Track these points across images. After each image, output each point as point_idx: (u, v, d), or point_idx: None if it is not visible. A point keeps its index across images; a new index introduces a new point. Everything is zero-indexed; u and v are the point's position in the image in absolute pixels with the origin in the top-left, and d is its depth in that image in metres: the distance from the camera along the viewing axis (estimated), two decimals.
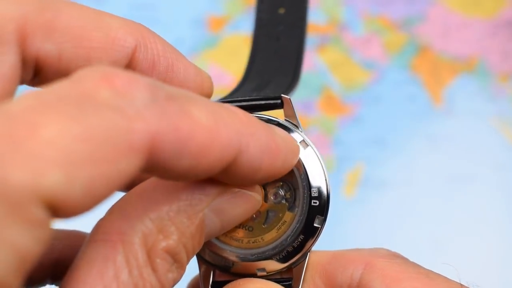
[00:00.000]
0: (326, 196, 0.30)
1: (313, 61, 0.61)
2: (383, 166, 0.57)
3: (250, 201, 0.27)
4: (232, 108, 0.23)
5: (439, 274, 0.28)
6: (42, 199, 0.18)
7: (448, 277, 0.28)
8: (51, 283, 0.31)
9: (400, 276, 0.27)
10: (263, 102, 0.31)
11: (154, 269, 0.23)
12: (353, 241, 0.53)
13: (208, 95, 0.29)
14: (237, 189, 0.26)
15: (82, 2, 0.25)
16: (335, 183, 0.56)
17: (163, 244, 0.23)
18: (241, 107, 0.29)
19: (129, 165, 0.19)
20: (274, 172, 0.25)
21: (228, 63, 0.61)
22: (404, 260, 0.29)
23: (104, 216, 0.23)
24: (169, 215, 0.23)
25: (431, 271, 0.28)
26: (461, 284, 0.27)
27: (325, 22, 0.62)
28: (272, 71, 0.34)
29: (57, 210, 0.18)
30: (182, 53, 0.28)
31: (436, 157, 0.57)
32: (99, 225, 0.23)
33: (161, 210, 0.23)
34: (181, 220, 0.23)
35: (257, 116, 0.31)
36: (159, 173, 0.22)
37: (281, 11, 0.36)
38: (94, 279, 0.21)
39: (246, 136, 0.22)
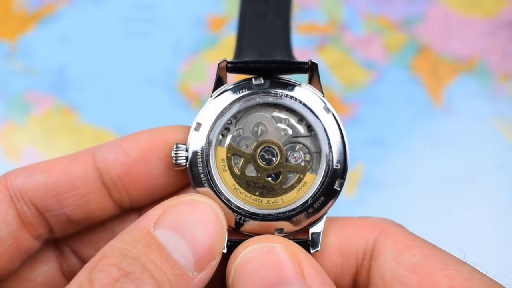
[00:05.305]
0: (345, 160, 0.31)
1: None
2: (383, 166, 0.57)
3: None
4: None
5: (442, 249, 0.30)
6: None
7: None
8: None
9: (410, 243, 0.29)
10: (291, 64, 0.31)
11: None
12: None
13: None
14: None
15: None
16: None
17: None
18: (268, 68, 0.30)
19: None
20: None
21: None
22: (410, 231, 0.31)
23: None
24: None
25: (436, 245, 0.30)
26: (464, 261, 0.28)
27: (325, 22, 0.62)
28: (265, 46, 0.34)
29: None
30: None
31: (436, 157, 0.57)
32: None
33: None
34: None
35: (280, 80, 0.31)
36: None
37: None
38: None
39: None
